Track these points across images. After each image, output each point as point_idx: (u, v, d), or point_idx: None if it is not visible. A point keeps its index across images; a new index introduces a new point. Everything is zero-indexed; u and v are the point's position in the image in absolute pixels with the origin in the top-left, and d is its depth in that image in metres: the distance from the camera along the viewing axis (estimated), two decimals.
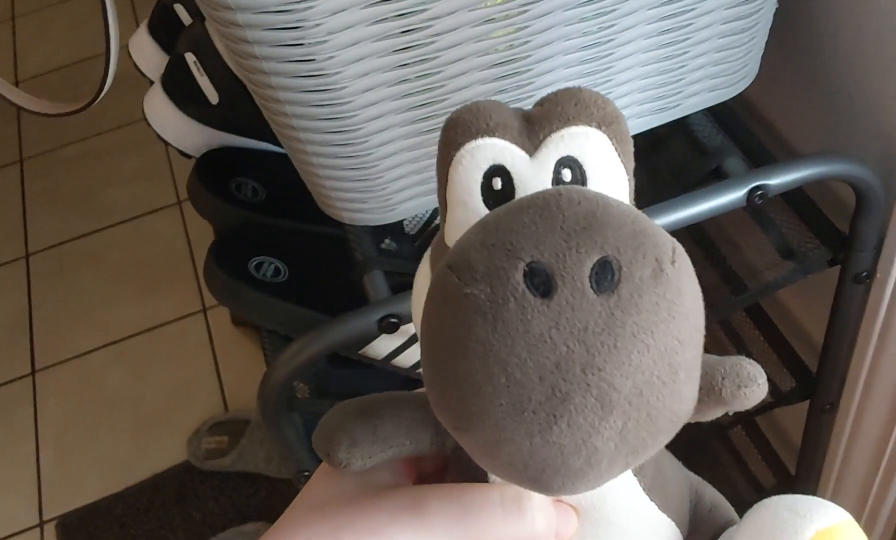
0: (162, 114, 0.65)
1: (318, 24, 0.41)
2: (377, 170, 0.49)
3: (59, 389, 1.31)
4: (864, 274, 0.56)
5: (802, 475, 0.72)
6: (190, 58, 0.62)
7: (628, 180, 0.24)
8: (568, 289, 0.19)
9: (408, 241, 0.62)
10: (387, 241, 0.62)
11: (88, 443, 1.24)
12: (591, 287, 0.19)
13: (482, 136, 0.23)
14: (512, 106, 0.25)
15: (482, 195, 0.23)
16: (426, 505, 0.25)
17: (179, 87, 0.64)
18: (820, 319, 0.62)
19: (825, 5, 0.55)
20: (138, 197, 1.53)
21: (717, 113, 0.58)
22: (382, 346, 0.59)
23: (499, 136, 0.23)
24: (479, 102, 0.24)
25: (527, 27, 0.45)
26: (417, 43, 0.43)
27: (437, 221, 0.64)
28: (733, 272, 0.64)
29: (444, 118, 0.47)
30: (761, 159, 0.59)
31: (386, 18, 0.42)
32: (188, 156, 0.67)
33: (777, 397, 0.69)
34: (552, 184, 0.23)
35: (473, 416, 0.20)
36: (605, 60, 0.49)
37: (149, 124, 0.65)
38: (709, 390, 0.24)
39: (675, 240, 0.21)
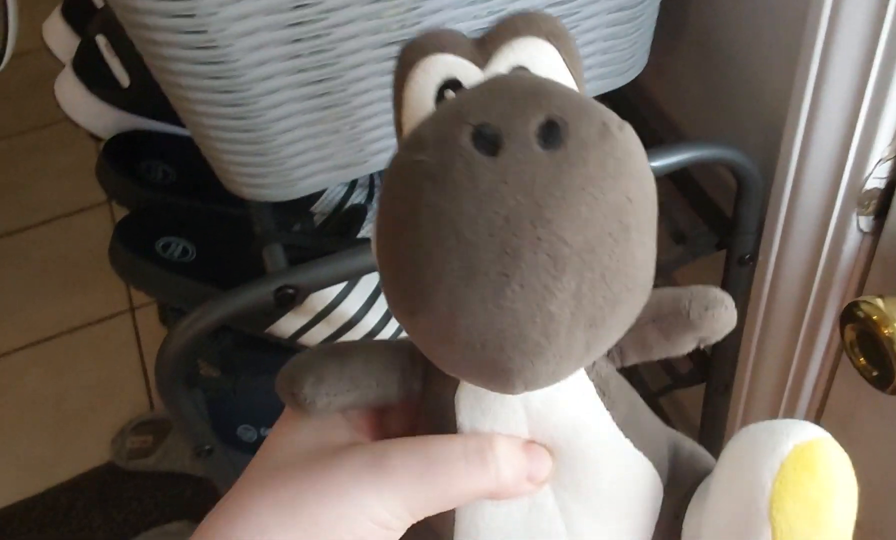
0: (73, 96, 0.65)
1: None
2: (275, 145, 0.50)
3: None
4: (748, 256, 0.59)
5: None
6: (101, 40, 0.62)
7: None
8: (514, 145, 0.19)
9: (316, 225, 0.63)
10: (297, 226, 0.63)
11: (8, 444, 1.21)
12: (538, 143, 0.19)
13: (435, 53, 0.24)
14: None
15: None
16: (388, 461, 0.24)
17: (90, 70, 0.64)
18: None
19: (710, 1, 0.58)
20: (67, 195, 1.51)
21: (612, 98, 0.60)
22: (289, 324, 0.60)
23: (450, 52, 0.24)
24: (434, 28, 0.25)
25: (416, 8, 0.46)
26: (309, 19, 0.45)
27: (346, 207, 0.65)
28: None
29: (340, 95, 0.49)
30: (650, 144, 0.62)
31: None
32: (99, 139, 0.67)
33: (676, 379, 0.72)
34: None
35: (427, 288, 0.19)
36: None
37: (59, 106, 0.65)
38: (676, 314, 0.24)
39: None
